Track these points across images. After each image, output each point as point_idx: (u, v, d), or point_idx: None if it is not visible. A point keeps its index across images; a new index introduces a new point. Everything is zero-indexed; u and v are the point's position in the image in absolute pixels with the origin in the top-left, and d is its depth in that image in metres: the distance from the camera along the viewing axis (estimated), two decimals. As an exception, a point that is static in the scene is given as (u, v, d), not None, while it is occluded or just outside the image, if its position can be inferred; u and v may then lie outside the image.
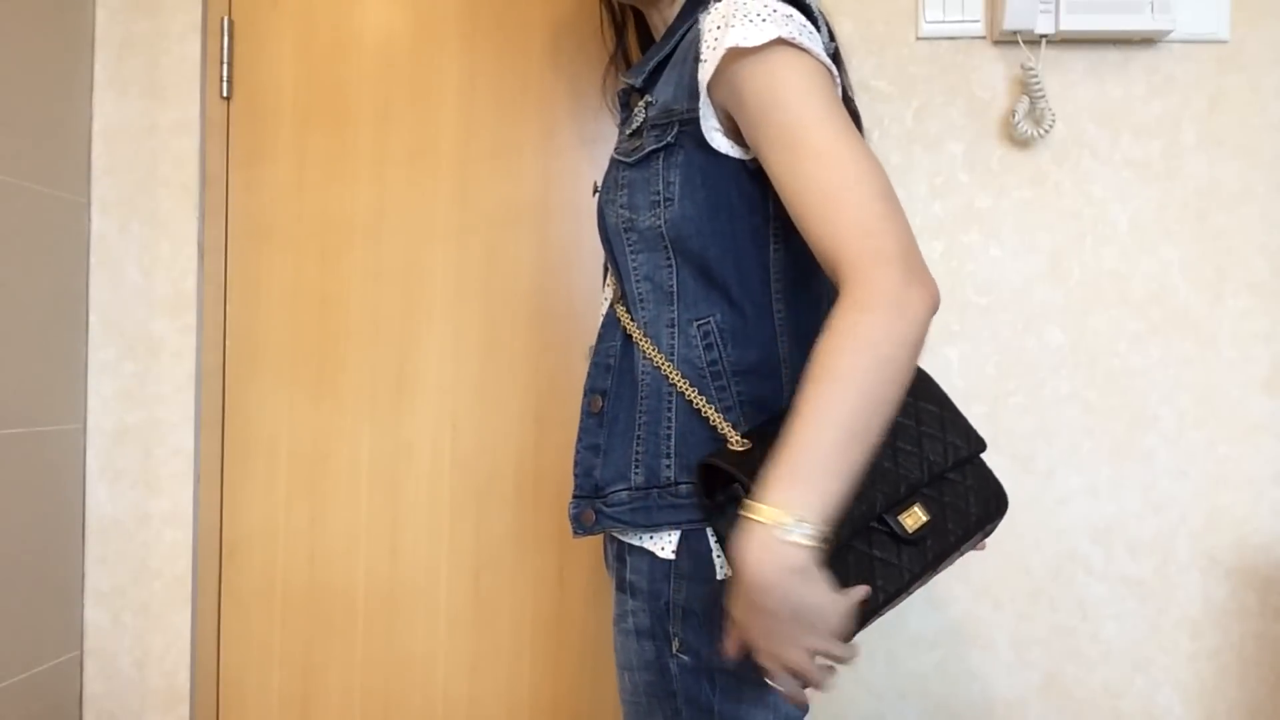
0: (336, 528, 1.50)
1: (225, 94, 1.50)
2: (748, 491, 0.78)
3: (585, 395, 0.98)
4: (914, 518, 0.85)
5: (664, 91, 0.93)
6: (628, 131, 0.96)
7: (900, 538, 0.84)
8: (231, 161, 1.51)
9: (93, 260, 1.49)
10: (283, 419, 1.50)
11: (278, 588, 1.51)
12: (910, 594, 0.90)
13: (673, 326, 0.92)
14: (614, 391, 0.96)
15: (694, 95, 0.88)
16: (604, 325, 0.99)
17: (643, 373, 0.93)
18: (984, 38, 1.38)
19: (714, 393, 0.90)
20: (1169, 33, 1.32)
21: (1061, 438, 1.38)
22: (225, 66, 1.50)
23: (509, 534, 1.48)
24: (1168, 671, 1.36)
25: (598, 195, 1.00)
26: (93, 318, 1.49)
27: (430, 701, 1.49)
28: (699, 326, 0.91)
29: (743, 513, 0.75)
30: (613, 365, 0.96)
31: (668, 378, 0.91)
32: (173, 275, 1.49)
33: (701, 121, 0.89)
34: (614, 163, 0.97)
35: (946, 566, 0.92)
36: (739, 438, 0.85)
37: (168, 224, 1.49)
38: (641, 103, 0.96)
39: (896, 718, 1.39)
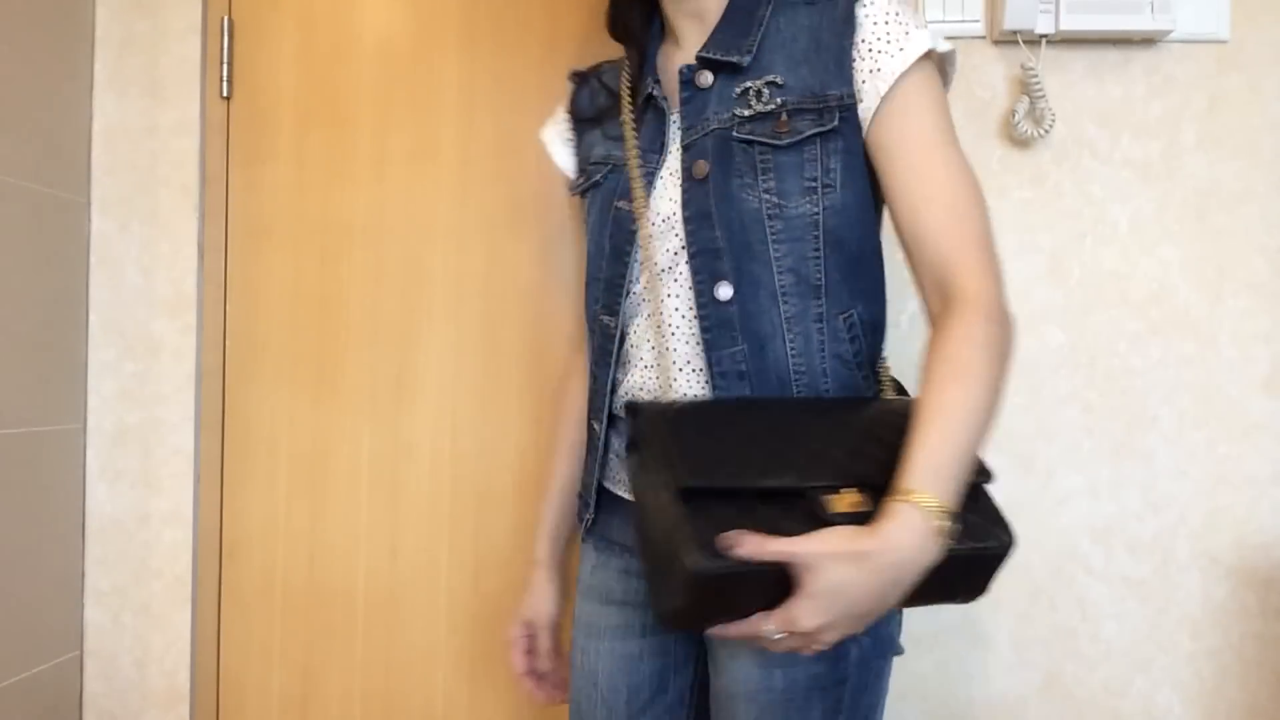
0: (336, 528, 1.50)
1: (225, 94, 1.50)
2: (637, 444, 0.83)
3: None
4: (849, 501, 0.77)
5: (796, 72, 0.90)
6: (746, 112, 0.90)
7: (820, 518, 0.76)
8: (231, 161, 1.51)
9: (93, 260, 1.49)
10: (283, 419, 1.50)
11: (278, 588, 1.51)
12: None
13: (820, 321, 0.89)
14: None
15: (848, 80, 0.89)
16: (712, 329, 0.90)
17: (796, 373, 0.89)
18: (984, 38, 1.38)
19: (864, 388, 0.90)
20: (1169, 33, 1.32)
21: (1061, 438, 1.37)
22: (225, 66, 1.50)
23: (509, 534, 1.48)
24: (1168, 671, 1.36)
25: (707, 179, 0.91)
26: (93, 318, 1.49)
27: (430, 701, 1.49)
28: (844, 320, 0.90)
29: (899, 498, 0.74)
30: (746, 371, 0.89)
31: (825, 375, 0.89)
32: (173, 275, 1.49)
33: (860, 108, 0.89)
34: (743, 143, 0.90)
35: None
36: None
37: (168, 224, 1.49)
38: (760, 83, 0.91)
39: (896, 718, 1.39)
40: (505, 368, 1.48)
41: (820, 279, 0.89)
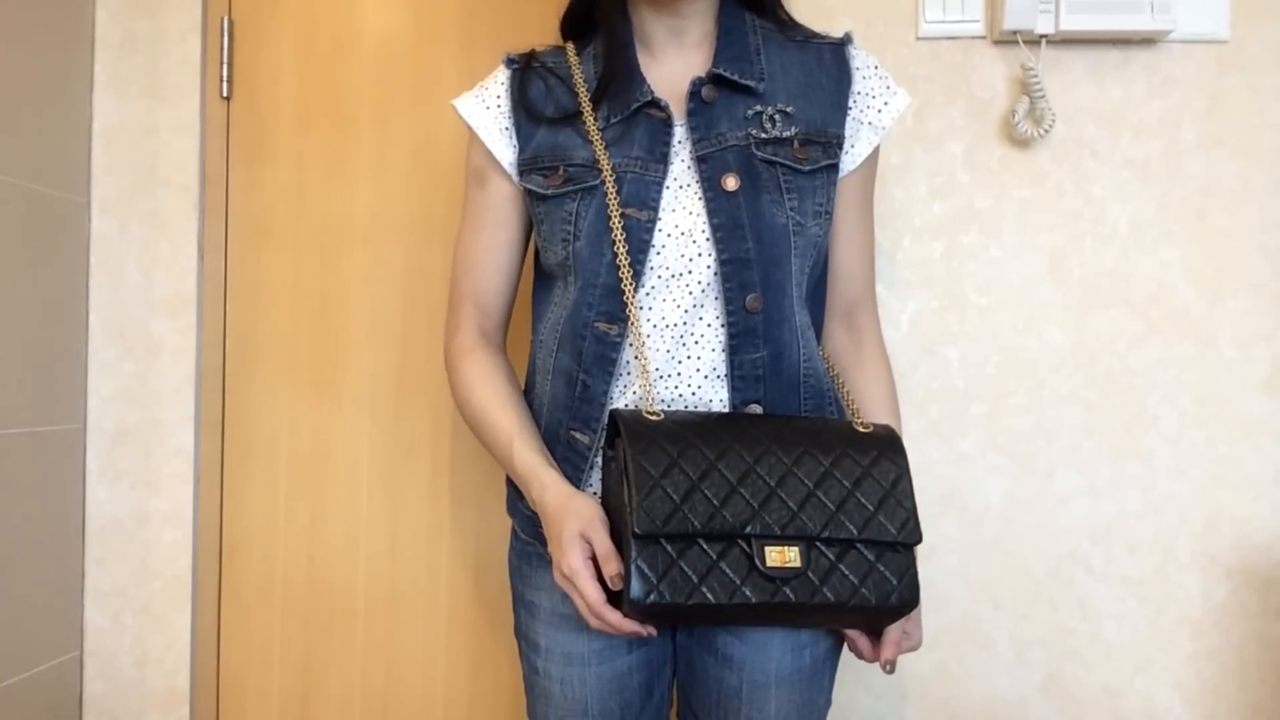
0: (336, 528, 1.50)
1: (225, 94, 1.50)
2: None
3: (734, 410, 0.95)
4: (782, 556, 0.86)
5: (797, 104, 0.98)
6: (762, 135, 0.95)
7: (755, 567, 0.85)
8: (231, 161, 1.51)
9: (93, 260, 1.49)
10: (283, 419, 1.50)
11: (278, 588, 1.51)
12: (746, 621, 0.93)
13: (811, 328, 1.01)
14: (769, 401, 0.96)
15: (842, 123, 0.99)
16: (738, 336, 0.94)
17: (805, 375, 0.98)
18: (984, 38, 1.38)
19: (838, 387, 1.05)
20: (1169, 33, 1.32)
21: (1061, 438, 1.37)
22: (225, 66, 1.50)
23: (509, 534, 1.48)
24: (1168, 671, 1.36)
25: (738, 192, 0.94)
26: (93, 318, 1.49)
27: (430, 701, 1.49)
28: (813, 326, 1.02)
29: None
30: (763, 375, 0.95)
31: (824, 376, 1.02)
32: (173, 275, 1.49)
33: (853, 152, 1.02)
34: (766, 162, 0.95)
35: (817, 625, 0.96)
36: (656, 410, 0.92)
37: (168, 224, 1.49)
38: (773, 110, 0.97)
39: (896, 718, 1.39)
40: (505, 368, 1.48)
41: (811, 291, 1.02)
